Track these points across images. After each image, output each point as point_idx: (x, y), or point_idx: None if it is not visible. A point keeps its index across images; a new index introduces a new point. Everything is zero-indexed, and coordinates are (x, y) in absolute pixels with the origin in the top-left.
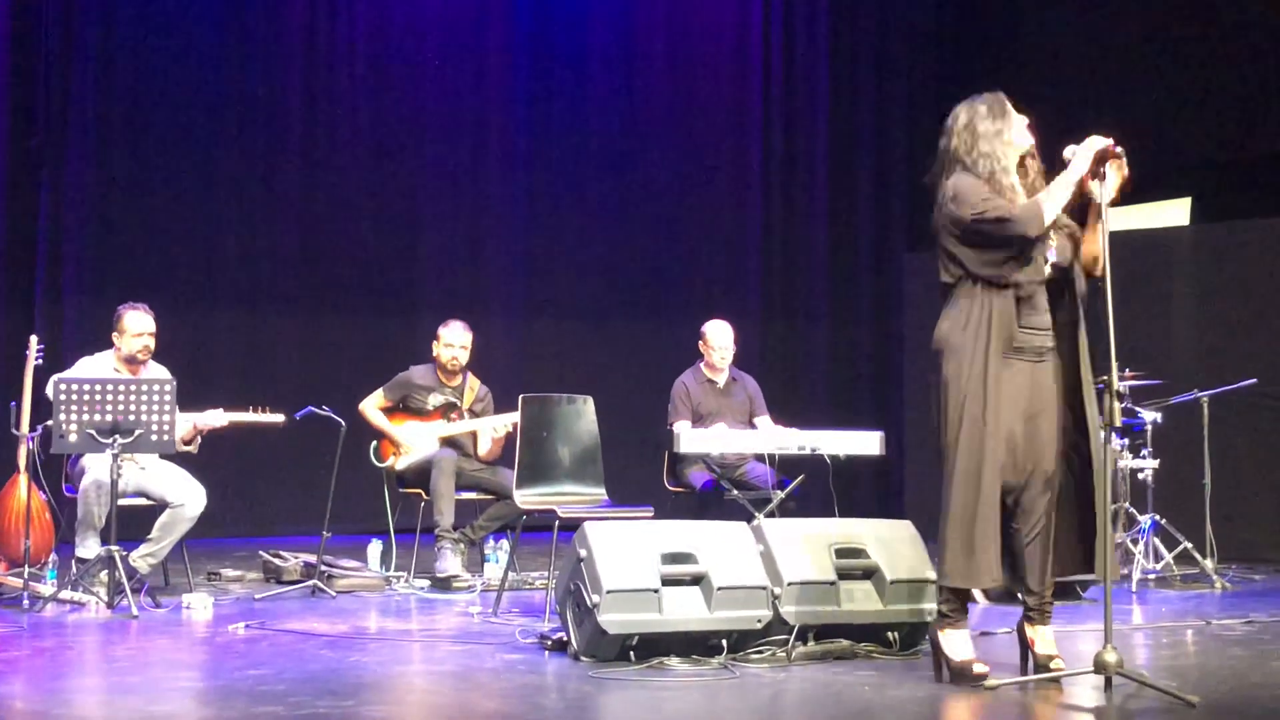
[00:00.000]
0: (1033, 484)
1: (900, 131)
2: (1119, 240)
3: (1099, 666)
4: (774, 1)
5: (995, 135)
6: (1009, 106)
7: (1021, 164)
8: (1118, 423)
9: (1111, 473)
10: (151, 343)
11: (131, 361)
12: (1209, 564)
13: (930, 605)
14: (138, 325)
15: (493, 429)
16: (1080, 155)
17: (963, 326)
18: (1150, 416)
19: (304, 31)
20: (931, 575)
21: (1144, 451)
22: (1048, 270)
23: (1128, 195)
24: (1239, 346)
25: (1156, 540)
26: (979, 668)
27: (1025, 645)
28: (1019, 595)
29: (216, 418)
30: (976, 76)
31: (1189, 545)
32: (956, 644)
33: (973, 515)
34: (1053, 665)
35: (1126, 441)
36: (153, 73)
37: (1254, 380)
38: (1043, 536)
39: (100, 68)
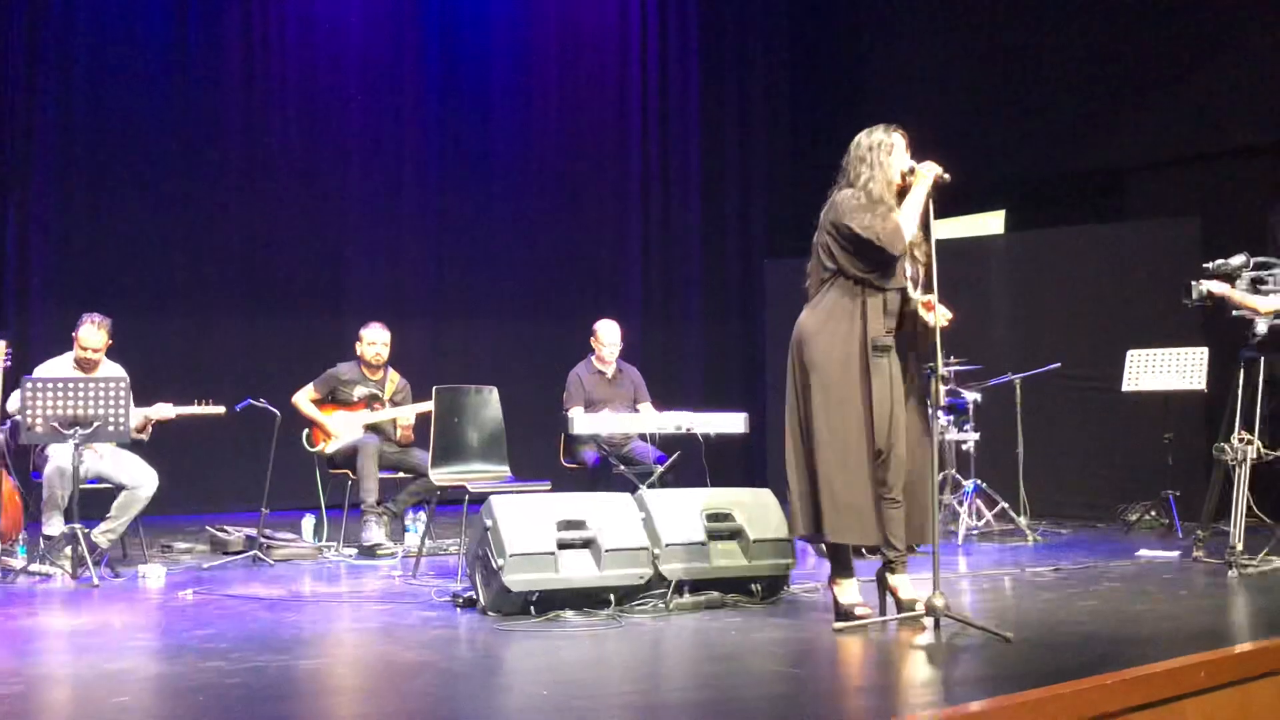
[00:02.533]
0: (894, 458)
1: (761, 154)
2: (943, 247)
3: (928, 609)
4: (650, 48)
5: (880, 162)
6: (896, 135)
7: (902, 182)
8: (942, 403)
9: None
10: (94, 355)
11: (81, 365)
12: (1023, 521)
13: (786, 560)
14: (86, 339)
15: (406, 416)
16: (923, 181)
17: (828, 318)
18: (972, 396)
19: (242, 70)
20: (786, 534)
21: (966, 426)
22: (908, 285)
23: (950, 207)
24: (1046, 336)
25: (979, 501)
26: (860, 610)
27: (885, 591)
28: (881, 550)
29: (165, 410)
30: (827, 105)
31: (1006, 505)
32: (845, 592)
33: (847, 483)
34: (916, 606)
35: (952, 418)
36: (108, 109)
37: (1058, 364)
38: (903, 503)
39: (60, 105)
